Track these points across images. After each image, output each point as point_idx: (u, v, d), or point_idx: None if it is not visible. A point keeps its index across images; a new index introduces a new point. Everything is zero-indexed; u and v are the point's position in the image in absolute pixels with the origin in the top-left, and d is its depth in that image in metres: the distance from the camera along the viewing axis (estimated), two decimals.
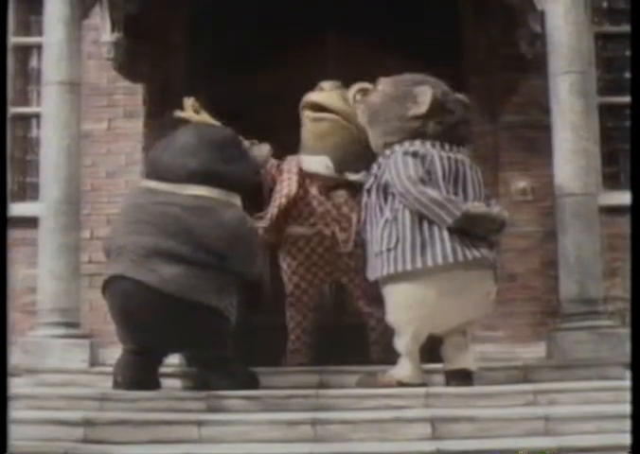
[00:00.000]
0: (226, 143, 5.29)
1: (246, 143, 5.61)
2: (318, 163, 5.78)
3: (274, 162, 5.89)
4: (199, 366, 5.16)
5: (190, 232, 4.98)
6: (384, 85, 5.46)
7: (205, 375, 5.09)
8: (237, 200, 5.24)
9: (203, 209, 5.05)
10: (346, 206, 5.77)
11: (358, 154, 5.70)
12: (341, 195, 5.80)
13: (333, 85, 5.93)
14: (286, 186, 5.77)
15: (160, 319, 4.86)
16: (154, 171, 5.28)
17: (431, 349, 5.25)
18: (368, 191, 5.27)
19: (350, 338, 5.98)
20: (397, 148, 5.25)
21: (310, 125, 5.85)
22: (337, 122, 5.80)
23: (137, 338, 4.99)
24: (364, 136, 5.61)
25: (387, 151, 5.29)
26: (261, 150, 5.69)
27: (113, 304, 5.05)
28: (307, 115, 5.86)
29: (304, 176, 5.80)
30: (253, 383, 5.07)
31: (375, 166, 5.30)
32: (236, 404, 4.84)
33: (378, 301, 5.50)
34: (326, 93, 5.88)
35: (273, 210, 5.73)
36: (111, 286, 5.04)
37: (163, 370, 5.22)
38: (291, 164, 5.87)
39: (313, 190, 5.80)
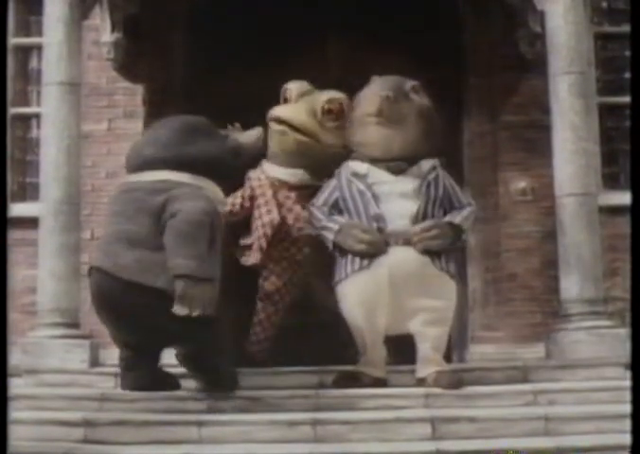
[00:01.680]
0: (187, 127, 5.17)
1: (226, 130, 5.47)
2: (292, 174, 5.76)
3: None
4: (179, 361, 5.08)
5: (150, 213, 4.86)
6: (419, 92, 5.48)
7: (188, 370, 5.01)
8: (204, 183, 5.03)
9: (163, 190, 4.92)
10: None
11: (328, 165, 5.66)
12: None
13: (301, 89, 5.88)
14: (265, 213, 5.72)
15: (122, 307, 4.74)
16: (127, 167, 5.29)
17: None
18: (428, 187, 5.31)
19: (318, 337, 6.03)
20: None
21: (277, 137, 5.76)
22: (303, 143, 5.73)
23: (112, 329, 4.96)
24: (328, 148, 5.70)
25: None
26: (249, 135, 5.44)
27: (91, 296, 5.01)
28: (272, 128, 5.77)
29: (278, 186, 5.77)
30: (229, 382, 4.92)
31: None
32: (236, 404, 4.84)
33: None
34: (291, 106, 5.82)
35: (261, 243, 5.69)
36: (89, 279, 5.03)
37: None
38: (260, 177, 5.83)
39: (293, 195, 5.75)
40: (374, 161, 5.33)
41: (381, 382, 5.19)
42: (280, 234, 5.72)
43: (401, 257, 5.08)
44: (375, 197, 5.22)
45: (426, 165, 5.35)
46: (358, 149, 5.45)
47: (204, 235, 4.75)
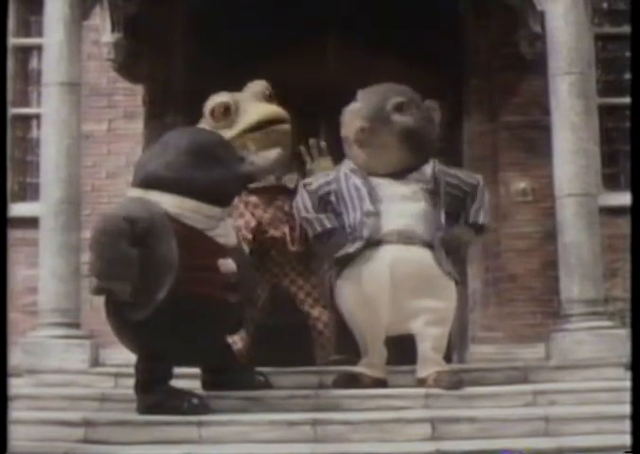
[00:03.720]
0: (194, 148, 4.77)
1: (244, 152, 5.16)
2: None
3: None
4: None
5: None
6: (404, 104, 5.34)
7: None
8: (166, 198, 4.68)
9: None
10: (287, 206, 5.70)
11: (290, 156, 5.67)
12: (281, 199, 5.76)
13: (262, 87, 5.76)
14: (238, 217, 5.67)
15: None
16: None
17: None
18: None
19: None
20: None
21: (255, 145, 5.44)
22: (288, 130, 5.65)
23: None
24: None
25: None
26: (267, 157, 4.98)
27: None
28: (252, 138, 5.49)
29: None
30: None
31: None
32: (236, 404, 4.83)
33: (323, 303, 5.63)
34: (260, 105, 5.65)
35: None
36: None
37: None
38: None
39: (253, 199, 5.74)
40: None
41: (381, 383, 5.18)
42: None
43: (402, 256, 5.06)
44: (371, 194, 5.19)
45: (427, 169, 5.31)
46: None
47: (105, 242, 4.52)
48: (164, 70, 7.18)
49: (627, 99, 6.05)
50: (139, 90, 7.15)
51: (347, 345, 5.41)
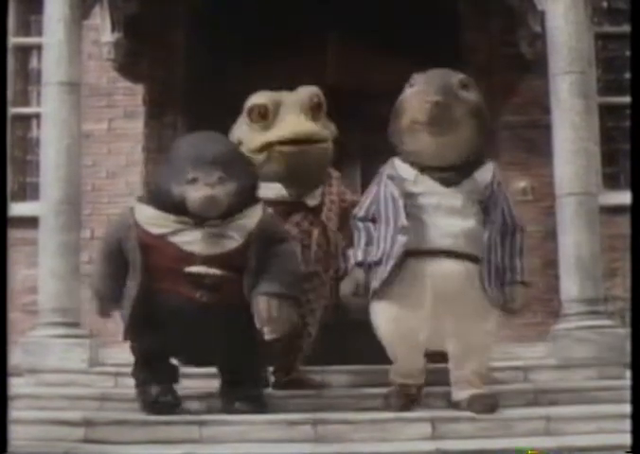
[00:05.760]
0: (181, 148, 4.80)
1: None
2: (272, 189, 5.22)
3: None
4: None
5: None
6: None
7: None
8: (138, 207, 4.78)
9: None
10: (306, 222, 5.32)
11: (323, 173, 5.42)
12: (299, 216, 5.33)
13: (272, 99, 5.37)
14: None
15: None
16: None
17: None
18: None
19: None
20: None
21: (283, 159, 5.20)
22: (323, 150, 5.32)
23: None
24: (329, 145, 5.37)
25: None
26: (194, 196, 4.64)
27: None
28: (280, 151, 5.21)
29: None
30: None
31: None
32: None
33: None
34: (292, 120, 5.29)
35: None
36: None
37: None
38: None
39: (269, 210, 5.26)
40: (426, 168, 4.82)
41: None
42: None
43: (447, 274, 4.68)
44: (407, 206, 4.74)
45: (483, 176, 4.91)
46: (408, 158, 4.89)
47: (102, 257, 4.86)
48: (164, 70, 7.19)
49: (627, 99, 6.04)
50: (139, 89, 7.16)
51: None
